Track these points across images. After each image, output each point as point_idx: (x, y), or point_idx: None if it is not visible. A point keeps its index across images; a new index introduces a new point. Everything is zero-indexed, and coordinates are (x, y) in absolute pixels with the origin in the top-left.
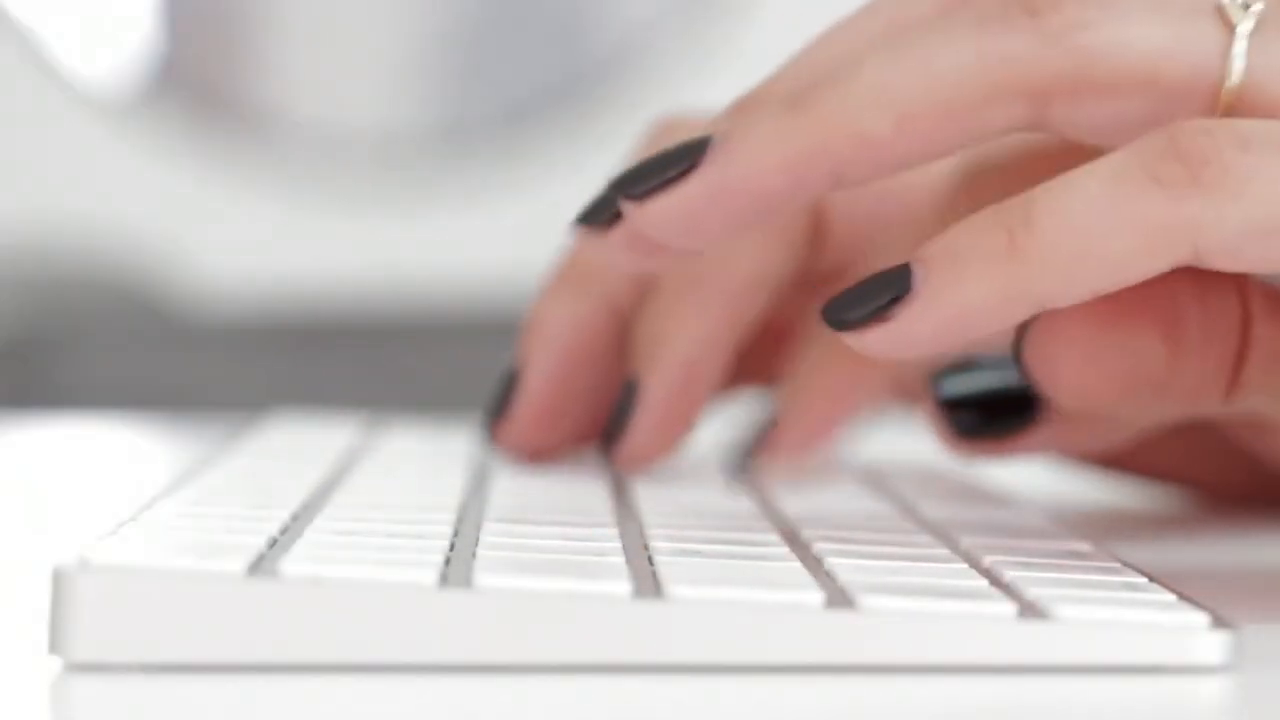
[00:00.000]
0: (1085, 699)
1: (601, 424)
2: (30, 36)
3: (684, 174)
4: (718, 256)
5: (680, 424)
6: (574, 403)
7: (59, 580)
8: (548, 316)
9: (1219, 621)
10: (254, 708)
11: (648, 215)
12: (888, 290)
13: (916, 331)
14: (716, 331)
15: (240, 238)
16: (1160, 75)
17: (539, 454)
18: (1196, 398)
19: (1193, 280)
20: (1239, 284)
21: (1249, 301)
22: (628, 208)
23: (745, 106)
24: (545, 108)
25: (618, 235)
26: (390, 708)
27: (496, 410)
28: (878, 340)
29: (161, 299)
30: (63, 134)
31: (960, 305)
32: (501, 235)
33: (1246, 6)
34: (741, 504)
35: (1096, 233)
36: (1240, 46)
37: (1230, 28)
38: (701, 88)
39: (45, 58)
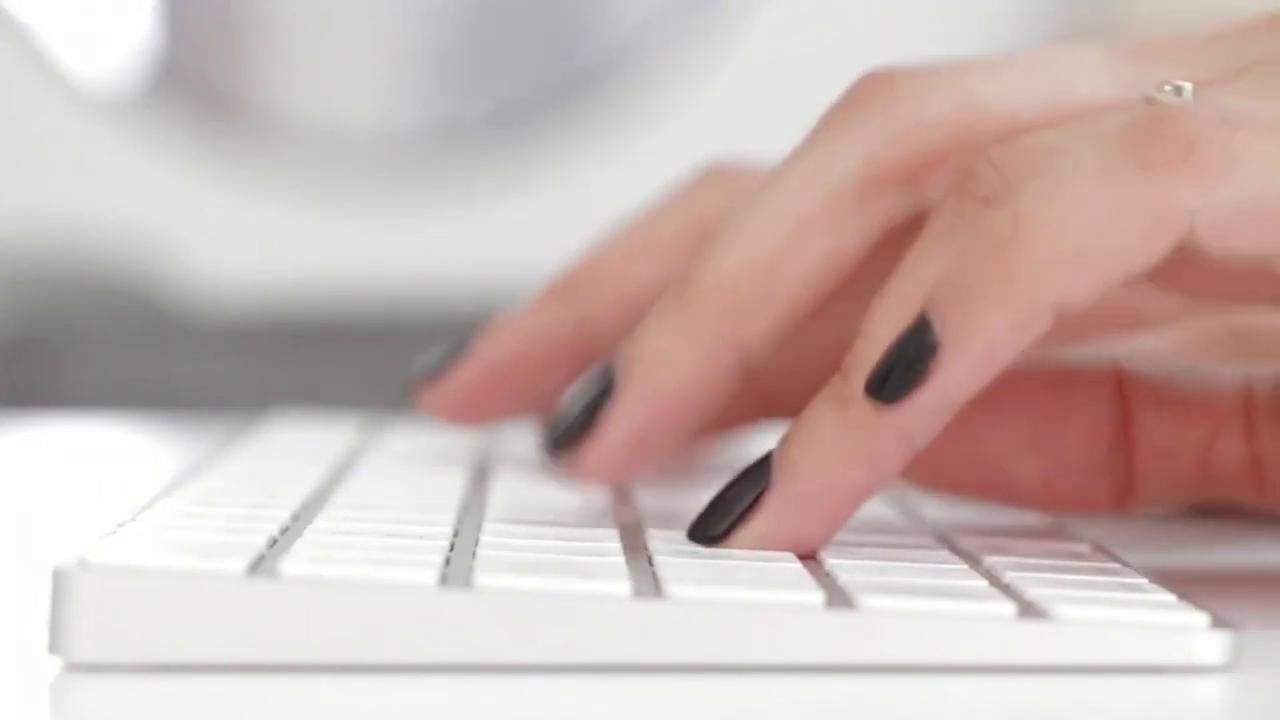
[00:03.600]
0: (1085, 699)
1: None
2: (30, 36)
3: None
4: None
5: (645, 451)
6: (507, 394)
7: (59, 580)
8: (514, 319)
9: (1219, 622)
10: (254, 708)
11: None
12: (917, 349)
13: (959, 378)
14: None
15: (240, 238)
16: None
17: (453, 422)
18: (1088, 504)
19: (1053, 384)
20: (1118, 378)
21: (1130, 395)
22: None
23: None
24: (545, 108)
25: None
26: (390, 708)
27: (431, 371)
28: (927, 397)
29: (161, 299)
30: (63, 134)
31: (989, 338)
32: (501, 235)
33: (1178, 91)
34: None
35: (1095, 229)
36: None
37: None
38: (701, 88)
39: (45, 58)
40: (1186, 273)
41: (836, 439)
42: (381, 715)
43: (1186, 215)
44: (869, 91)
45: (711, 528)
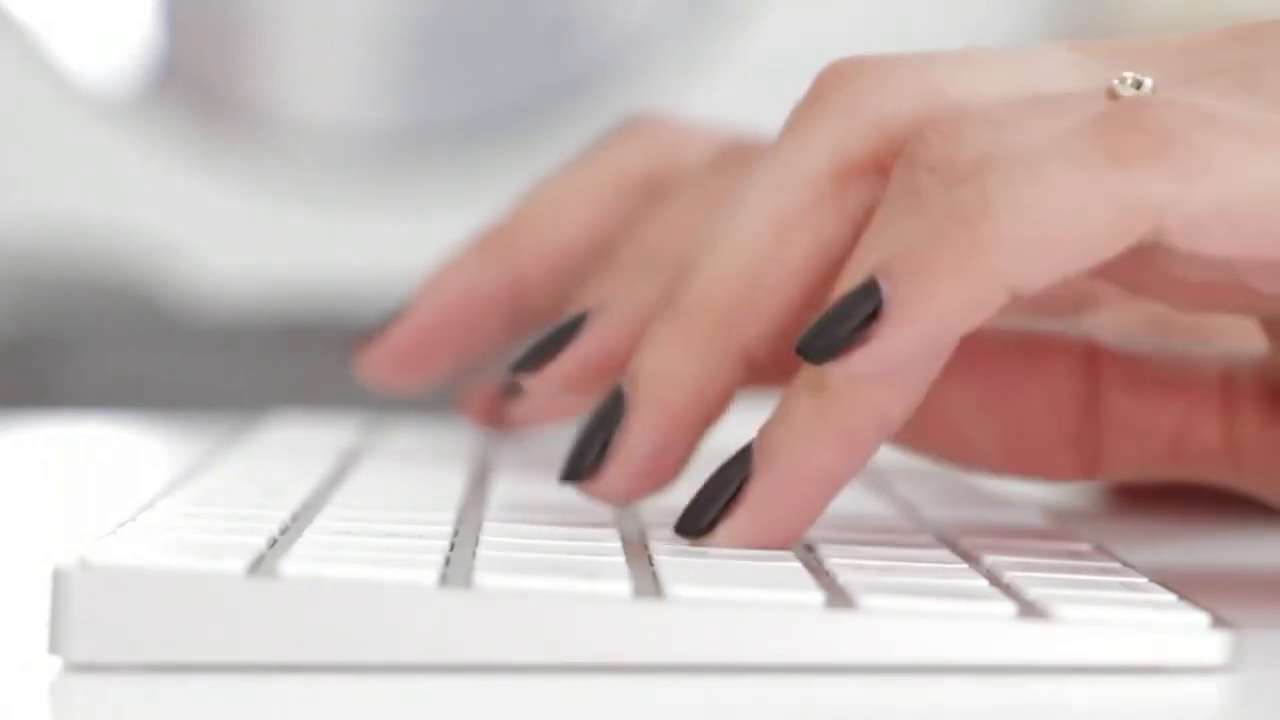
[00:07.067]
0: (1085, 699)
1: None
2: (30, 36)
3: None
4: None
5: (663, 468)
6: (443, 351)
7: (59, 580)
8: (448, 275)
9: (1219, 621)
10: (254, 708)
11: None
12: (859, 312)
13: (898, 347)
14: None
15: (240, 238)
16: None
17: (392, 382)
18: (1050, 474)
19: (1018, 349)
20: (1089, 351)
21: (1102, 370)
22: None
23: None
24: (543, 107)
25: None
26: (390, 708)
27: (370, 333)
28: (860, 362)
29: (161, 299)
30: (63, 134)
31: (936, 311)
32: None
33: (1138, 85)
34: None
35: (1063, 215)
36: None
37: None
38: (699, 89)
39: (45, 58)
40: (1149, 278)
41: (810, 423)
42: (382, 715)
43: (1156, 210)
44: (832, 85)
45: (696, 521)
